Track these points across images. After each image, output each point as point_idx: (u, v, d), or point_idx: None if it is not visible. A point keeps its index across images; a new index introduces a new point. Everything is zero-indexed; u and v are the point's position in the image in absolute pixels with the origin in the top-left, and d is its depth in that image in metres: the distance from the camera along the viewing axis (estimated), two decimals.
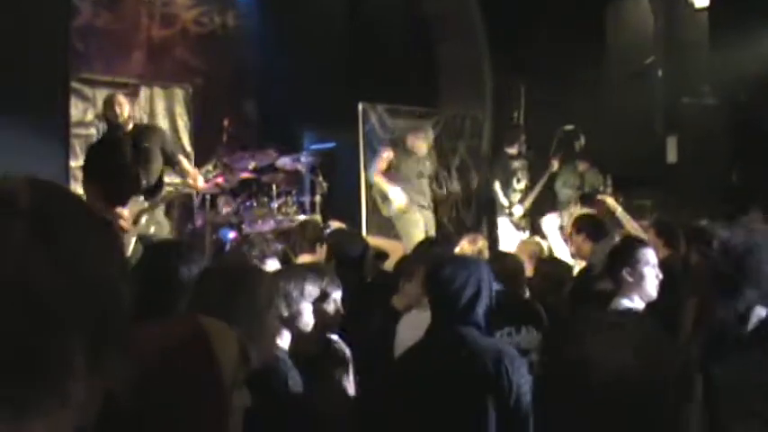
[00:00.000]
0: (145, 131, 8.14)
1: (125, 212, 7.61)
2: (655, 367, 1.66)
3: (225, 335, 1.97)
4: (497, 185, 11.18)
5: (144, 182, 7.86)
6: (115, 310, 1.06)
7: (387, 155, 10.16)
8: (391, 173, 10.03)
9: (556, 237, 10.08)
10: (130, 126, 7.93)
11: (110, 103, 7.97)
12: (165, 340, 1.89)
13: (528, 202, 11.06)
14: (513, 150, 11.21)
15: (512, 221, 10.99)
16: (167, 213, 8.42)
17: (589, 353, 1.71)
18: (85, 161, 8.13)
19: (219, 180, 9.78)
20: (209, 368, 1.86)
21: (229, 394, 1.91)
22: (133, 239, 7.59)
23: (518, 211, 11.01)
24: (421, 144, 10.11)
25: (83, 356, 1.01)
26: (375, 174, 10.21)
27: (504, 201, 11.09)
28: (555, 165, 11.04)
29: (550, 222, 10.42)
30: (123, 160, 7.83)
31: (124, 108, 7.89)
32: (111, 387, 1.06)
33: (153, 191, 7.92)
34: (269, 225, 9.71)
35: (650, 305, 4.88)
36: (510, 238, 10.87)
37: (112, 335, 1.05)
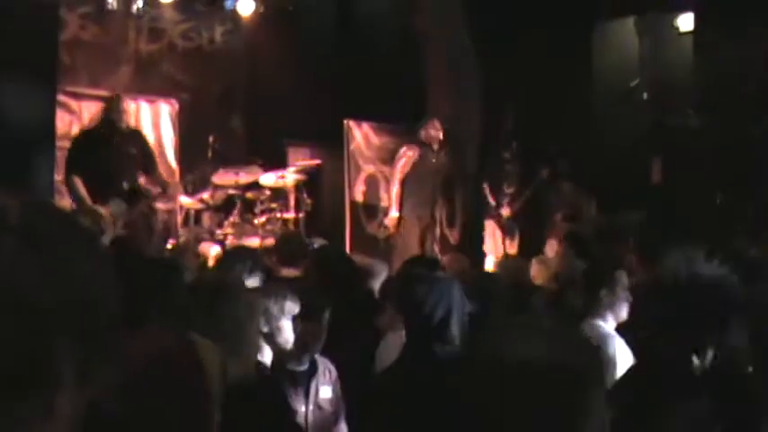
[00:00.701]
0: (133, 136, 8.17)
1: (105, 213, 7.63)
2: (568, 362, 1.66)
3: (210, 348, 1.99)
4: (486, 185, 11.22)
5: (125, 186, 7.87)
6: (103, 321, 1.06)
7: (412, 153, 10.42)
8: (411, 176, 10.32)
9: None
10: (123, 127, 7.98)
11: (118, 106, 8.00)
12: (157, 350, 1.90)
13: (515, 207, 11.06)
14: (506, 154, 11.27)
15: (498, 224, 11.01)
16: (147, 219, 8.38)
17: (500, 347, 1.72)
18: (73, 150, 8.10)
19: (204, 195, 9.79)
20: (198, 378, 1.88)
21: (216, 404, 1.92)
22: (107, 241, 7.57)
23: (506, 212, 11.04)
24: (433, 133, 10.35)
25: (71, 366, 1.01)
26: (394, 182, 10.48)
27: (492, 202, 11.12)
28: (544, 173, 11.04)
29: None
30: (110, 161, 7.85)
31: (129, 114, 7.97)
32: (96, 396, 1.07)
33: (132, 196, 7.93)
34: (253, 241, 9.70)
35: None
36: (495, 241, 10.93)
37: (101, 345, 1.06)
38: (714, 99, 11.04)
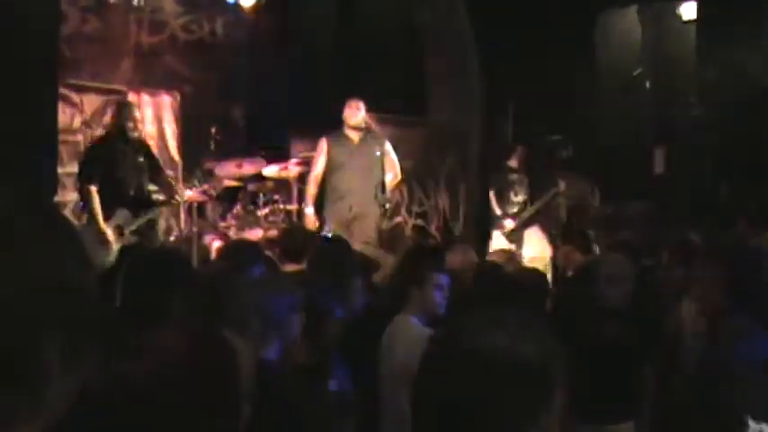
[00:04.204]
0: (141, 144, 8.18)
1: (105, 228, 7.64)
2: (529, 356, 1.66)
3: (241, 348, 1.99)
4: (492, 195, 10.97)
5: (133, 194, 7.87)
6: (85, 309, 1.06)
7: (322, 146, 9.48)
8: (330, 169, 9.33)
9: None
10: (135, 136, 7.97)
11: (130, 113, 7.99)
12: (188, 343, 1.90)
13: (524, 216, 10.78)
14: (513, 163, 11.00)
15: (503, 234, 10.73)
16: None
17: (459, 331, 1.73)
18: (87, 161, 8.11)
19: (206, 187, 9.77)
20: (232, 376, 1.88)
21: (243, 401, 1.92)
22: (115, 250, 7.57)
23: (509, 224, 10.74)
24: (352, 124, 9.32)
25: (58, 356, 1.01)
26: (309, 183, 9.50)
27: (497, 211, 10.86)
28: (562, 185, 10.72)
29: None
30: (119, 171, 7.85)
31: (142, 122, 7.97)
32: (84, 385, 1.07)
33: (141, 203, 7.94)
34: (256, 233, 9.68)
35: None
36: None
37: (85, 333, 1.06)
38: (717, 89, 11.02)
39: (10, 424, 0.99)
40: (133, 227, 7.84)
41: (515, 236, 10.70)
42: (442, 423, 1.64)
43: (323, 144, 9.46)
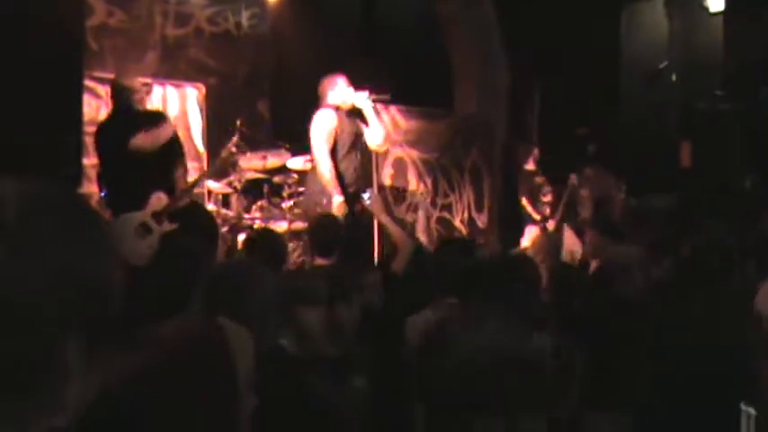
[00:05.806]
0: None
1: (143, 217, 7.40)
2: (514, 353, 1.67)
3: (243, 337, 1.99)
4: (525, 201, 11.04)
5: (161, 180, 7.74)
6: (105, 308, 1.04)
7: (331, 124, 8.54)
8: (337, 151, 8.56)
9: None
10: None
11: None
12: (188, 338, 1.92)
13: (558, 216, 10.83)
14: (531, 167, 11.12)
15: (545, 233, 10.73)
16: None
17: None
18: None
19: (231, 179, 9.79)
20: (226, 366, 1.89)
21: (243, 391, 1.93)
22: (157, 237, 7.33)
23: (551, 225, 10.81)
24: (344, 106, 8.63)
25: (78, 357, 1.01)
26: (324, 162, 8.44)
27: (535, 215, 10.96)
28: (574, 179, 10.80)
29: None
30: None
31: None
32: (106, 382, 1.07)
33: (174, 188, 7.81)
34: (281, 225, 9.69)
35: None
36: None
37: (103, 334, 1.04)
38: (744, 81, 10.95)
39: (29, 422, 0.99)
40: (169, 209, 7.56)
41: (557, 235, 10.69)
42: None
43: (331, 116, 8.56)
